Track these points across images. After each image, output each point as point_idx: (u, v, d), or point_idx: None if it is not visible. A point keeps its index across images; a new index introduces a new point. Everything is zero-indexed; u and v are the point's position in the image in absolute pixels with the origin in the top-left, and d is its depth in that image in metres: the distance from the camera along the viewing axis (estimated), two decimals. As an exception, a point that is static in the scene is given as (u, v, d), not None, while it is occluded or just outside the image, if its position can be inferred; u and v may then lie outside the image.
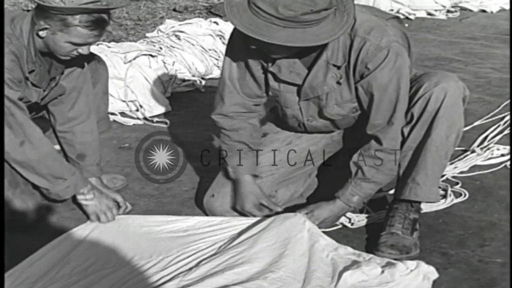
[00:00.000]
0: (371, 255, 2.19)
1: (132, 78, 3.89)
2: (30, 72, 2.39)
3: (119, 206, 2.56)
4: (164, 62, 4.22)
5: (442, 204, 2.60)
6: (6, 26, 2.32)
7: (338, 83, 2.34)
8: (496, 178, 2.88)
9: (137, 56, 4.08)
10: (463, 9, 6.97)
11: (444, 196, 2.65)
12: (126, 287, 2.05)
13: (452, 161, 2.98)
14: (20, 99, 2.37)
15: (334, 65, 2.31)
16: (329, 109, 2.42)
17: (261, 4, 2.09)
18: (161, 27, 5.02)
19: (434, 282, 2.08)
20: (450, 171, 2.90)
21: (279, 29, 2.09)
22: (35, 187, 2.49)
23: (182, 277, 2.02)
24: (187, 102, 4.01)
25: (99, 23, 2.30)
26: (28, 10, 2.43)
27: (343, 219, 2.46)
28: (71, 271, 2.15)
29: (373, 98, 2.29)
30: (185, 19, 5.88)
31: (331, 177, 2.59)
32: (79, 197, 2.48)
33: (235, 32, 2.39)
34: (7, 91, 2.29)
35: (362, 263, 2.10)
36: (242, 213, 2.48)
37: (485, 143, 3.23)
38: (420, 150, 2.33)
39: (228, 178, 2.53)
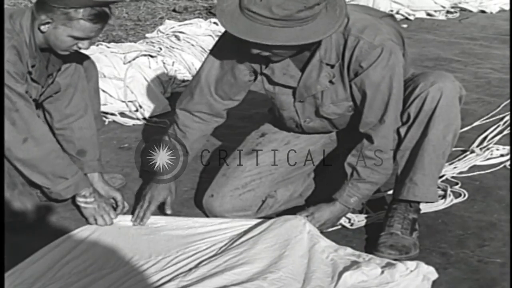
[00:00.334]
0: (370, 256, 2.19)
1: (131, 79, 3.89)
2: (32, 67, 2.38)
3: (117, 206, 2.56)
4: (164, 63, 4.22)
5: (441, 204, 2.60)
6: (5, 22, 2.31)
7: (331, 82, 2.34)
8: (495, 178, 2.88)
9: (136, 57, 4.07)
10: (462, 9, 6.96)
11: (444, 196, 2.65)
12: (125, 287, 2.05)
13: (452, 161, 2.98)
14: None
15: (328, 64, 2.31)
16: (325, 108, 2.42)
17: (255, 8, 2.08)
18: (161, 27, 5.03)
19: (434, 282, 2.08)
20: (450, 171, 2.90)
21: (277, 30, 2.09)
22: (36, 186, 2.48)
23: (182, 277, 2.02)
24: (186, 102, 4.01)
25: (102, 17, 2.30)
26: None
27: (342, 220, 2.46)
28: (70, 271, 2.15)
29: (366, 96, 2.29)
30: (184, 19, 5.88)
31: (331, 177, 2.58)
32: (80, 199, 2.46)
33: (226, 34, 2.36)
34: (14, 85, 2.28)
35: (362, 263, 2.10)
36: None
37: (485, 143, 3.22)
38: (417, 150, 2.33)
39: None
